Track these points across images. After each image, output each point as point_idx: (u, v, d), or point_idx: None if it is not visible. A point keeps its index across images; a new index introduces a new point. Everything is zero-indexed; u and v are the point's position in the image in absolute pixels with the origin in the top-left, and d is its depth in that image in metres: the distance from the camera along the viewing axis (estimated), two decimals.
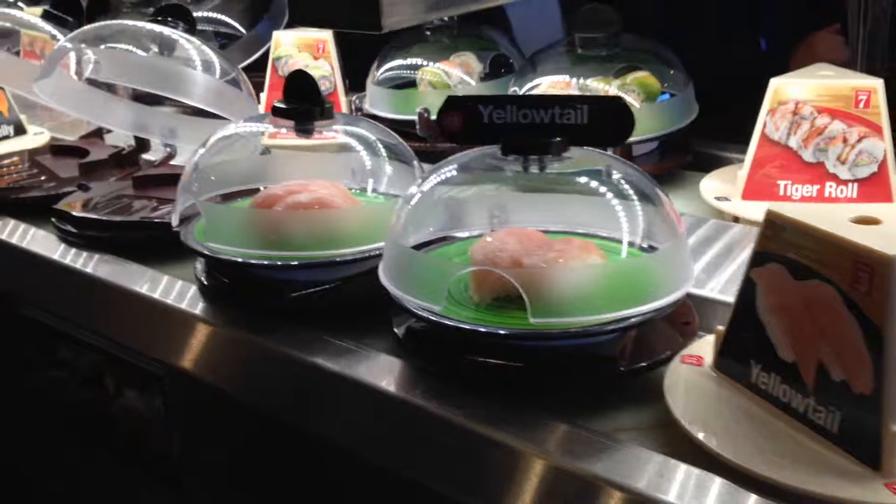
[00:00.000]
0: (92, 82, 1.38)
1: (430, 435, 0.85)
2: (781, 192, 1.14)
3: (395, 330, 0.92)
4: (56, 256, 1.24)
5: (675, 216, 0.86)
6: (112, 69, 1.14)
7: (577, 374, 0.81)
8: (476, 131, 0.87)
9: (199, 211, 1.06)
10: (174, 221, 1.06)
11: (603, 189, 0.87)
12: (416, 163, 1.06)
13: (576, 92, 1.37)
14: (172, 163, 1.45)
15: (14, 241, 1.30)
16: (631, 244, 0.88)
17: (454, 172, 0.92)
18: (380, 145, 1.06)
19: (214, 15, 1.96)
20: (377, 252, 0.98)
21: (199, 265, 1.08)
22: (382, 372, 0.91)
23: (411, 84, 1.61)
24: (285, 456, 1.06)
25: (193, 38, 1.26)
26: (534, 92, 1.40)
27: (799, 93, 1.12)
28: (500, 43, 1.66)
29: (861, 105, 1.10)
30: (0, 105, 1.69)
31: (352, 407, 0.93)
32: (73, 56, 1.24)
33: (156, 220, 1.22)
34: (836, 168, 1.12)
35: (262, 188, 1.15)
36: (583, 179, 0.89)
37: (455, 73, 1.59)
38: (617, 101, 0.83)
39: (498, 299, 0.87)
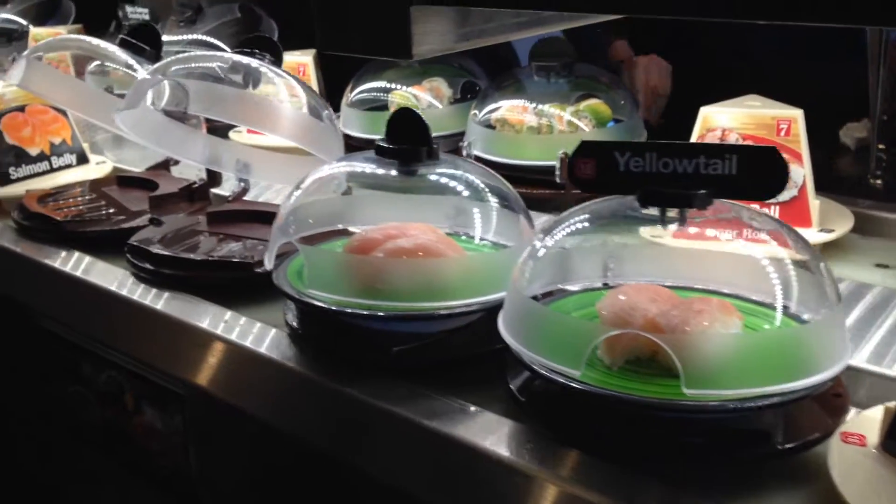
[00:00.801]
0: (168, 114, 1.33)
1: None
2: None
3: (512, 389, 0.85)
4: (129, 294, 1.19)
5: (832, 281, 0.79)
6: (201, 102, 1.09)
7: (730, 451, 0.74)
8: (611, 180, 0.81)
9: (286, 251, 1.01)
10: (268, 264, 1.00)
11: (748, 246, 0.81)
12: (521, 208, 1.00)
13: (532, 116, 1.45)
14: (245, 198, 1.40)
15: (93, 278, 1.24)
16: (772, 306, 0.82)
17: (583, 224, 0.86)
18: (485, 189, 1.00)
19: (206, 38, 2.05)
20: (485, 305, 0.92)
21: (291, 311, 1.01)
22: (491, 432, 0.85)
23: (384, 107, 1.69)
24: (304, 479, 1.03)
25: (282, 71, 1.21)
26: (494, 115, 1.49)
27: (725, 121, 1.19)
28: (470, 70, 1.76)
29: (783, 133, 1.16)
30: (64, 132, 1.64)
31: (456, 469, 0.87)
32: (157, 88, 1.19)
33: (238, 261, 1.16)
34: None
35: (354, 230, 1.10)
36: (725, 234, 0.82)
37: (424, 97, 1.68)
38: (769, 151, 0.77)
39: (630, 362, 0.80)
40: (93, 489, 1.43)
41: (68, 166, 1.64)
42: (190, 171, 1.60)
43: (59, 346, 1.32)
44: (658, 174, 0.79)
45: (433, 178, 1.00)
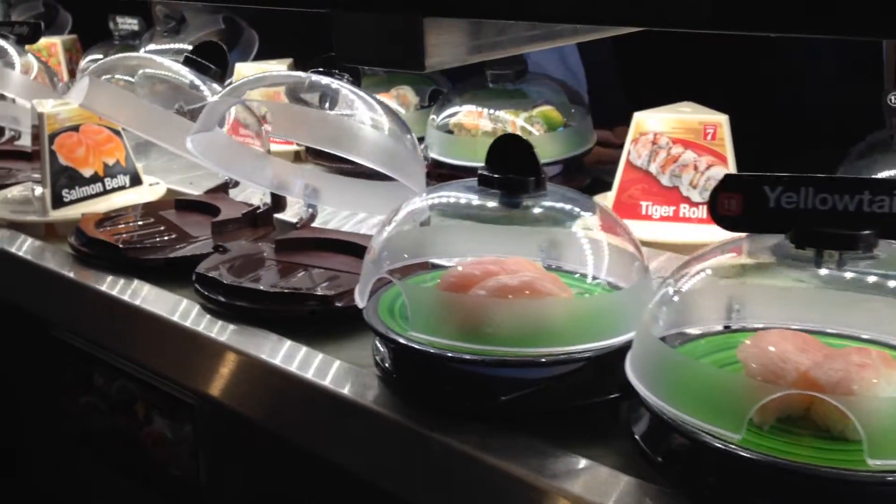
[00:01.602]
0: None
1: None
2: (643, 212, 1.27)
3: (643, 445, 0.77)
4: (202, 329, 1.11)
5: None
6: (282, 124, 1.02)
7: None
8: (759, 217, 0.73)
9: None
10: (361, 301, 0.92)
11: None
12: (635, 245, 0.92)
13: (486, 121, 1.53)
14: (313, 225, 1.33)
15: (154, 307, 1.18)
16: None
17: (715, 265, 0.78)
18: (595, 224, 0.92)
19: (188, 47, 2.04)
20: (602, 350, 0.85)
21: (382, 352, 0.94)
22: (617, 491, 0.77)
23: None
24: (314, 492, 1.02)
25: (361, 92, 1.14)
26: (452, 120, 1.56)
27: (657, 125, 1.26)
28: (436, 79, 1.83)
29: (709, 137, 1.24)
30: (118, 153, 1.57)
31: None
32: (233, 110, 1.12)
33: (320, 293, 1.08)
34: (689, 192, 1.25)
35: (439, 262, 1.02)
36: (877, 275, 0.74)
37: (390, 104, 1.72)
38: None
39: (780, 419, 0.72)
40: (101, 499, 1.41)
41: (121, 188, 1.57)
42: (247, 193, 1.53)
43: (73, 356, 1.29)
44: (814, 211, 0.71)
45: (539, 210, 0.92)
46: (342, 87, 1.12)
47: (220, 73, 1.33)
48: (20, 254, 1.42)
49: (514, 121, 1.53)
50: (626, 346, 0.85)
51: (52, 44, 2.27)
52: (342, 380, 0.97)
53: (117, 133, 1.56)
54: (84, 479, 1.44)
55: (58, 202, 1.48)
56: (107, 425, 1.28)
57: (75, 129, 1.51)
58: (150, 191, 1.59)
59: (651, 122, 1.27)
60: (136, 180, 1.60)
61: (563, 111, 1.56)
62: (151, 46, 2.11)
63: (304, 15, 1.04)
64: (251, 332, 1.08)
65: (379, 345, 0.94)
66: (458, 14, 0.85)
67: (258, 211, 1.36)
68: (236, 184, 1.49)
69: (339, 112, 1.14)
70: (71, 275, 1.31)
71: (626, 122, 1.33)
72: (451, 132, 1.56)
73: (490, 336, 0.83)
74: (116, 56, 1.40)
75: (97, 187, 1.54)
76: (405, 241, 0.95)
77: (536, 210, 0.93)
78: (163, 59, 1.34)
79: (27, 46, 1.94)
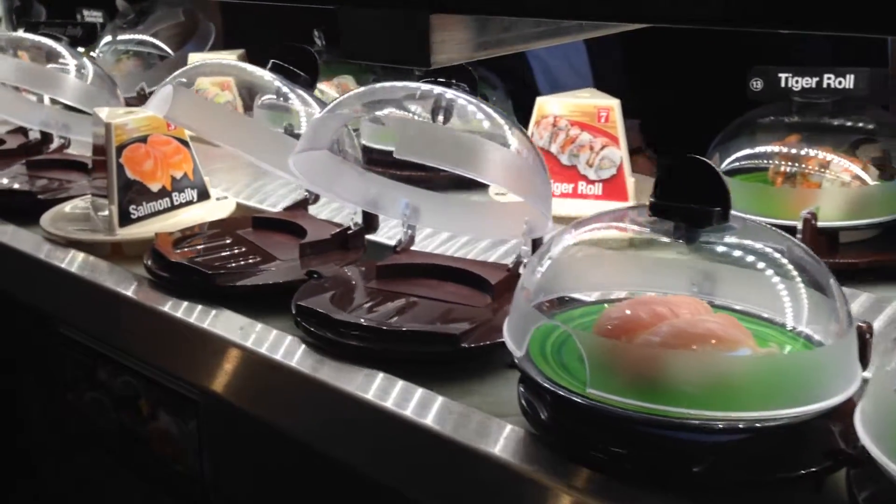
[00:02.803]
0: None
1: None
2: None
3: None
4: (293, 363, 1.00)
5: None
6: (412, 145, 0.90)
7: None
8: None
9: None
10: (518, 349, 0.80)
11: None
12: (833, 292, 0.79)
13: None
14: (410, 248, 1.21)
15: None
16: None
17: None
18: (787, 264, 0.80)
19: (148, 38, 2.18)
20: (812, 413, 0.73)
21: (540, 406, 0.81)
22: None
23: None
24: (318, 488, 1.02)
25: (482, 104, 1.02)
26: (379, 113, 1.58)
27: (556, 109, 1.36)
28: (377, 70, 1.83)
29: (602, 120, 1.33)
30: (185, 166, 1.46)
31: None
32: (347, 128, 1.00)
33: (444, 333, 0.96)
34: (586, 170, 1.35)
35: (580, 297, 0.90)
36: None
37: (330, 93, 1.77)
38: None
39: None
40: (105, 495, 1.39)
41: (189, 203, 1.46)
42: (329, 210, 1.41)
43: (78, 352, 1.28)
44: None
45: (722, 244, 0.80)
46: (462, 98, 1.00)
47: (310, 80, 1.21)
48: (85, 275, 1.30)
49: None
50: (832, 410, 0.74)
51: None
52: (484, 433, 0.85)
53: (185, 143, 1.44)
54: (92, 475, 1.40)
55: (125, 219, 1.36)
56: (111, 421, 1.25)
57: (143, 140, 1.39)
58: (219, 206, 1.48)
59: (551, 106, 1.36)
60: (203, 195, 1.48)
61: (487, 97, 1.61)
62: (122, 36, 2.18)
63: (257, 7, 1.08)
64: (361, 372, 0.97)
65: (532, 396, 0.82)
66: (465, 10, 0.84)
67: (349, 232, 1.24)
68: (316, 199, 1.38)
69: (455, 125, 1.02)
70: (143, 299, 1.19)
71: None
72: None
73: (685, 397, 0.71)
74: (198, 62, 1.27)
75: (165, 202, 1.42)
76: (562, 279, 0.84)
77: (719, 244, 0.80)
78: (245, 65, 1.22)
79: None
